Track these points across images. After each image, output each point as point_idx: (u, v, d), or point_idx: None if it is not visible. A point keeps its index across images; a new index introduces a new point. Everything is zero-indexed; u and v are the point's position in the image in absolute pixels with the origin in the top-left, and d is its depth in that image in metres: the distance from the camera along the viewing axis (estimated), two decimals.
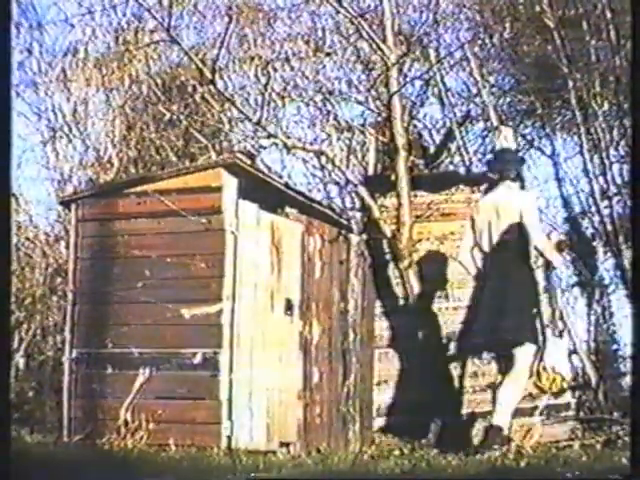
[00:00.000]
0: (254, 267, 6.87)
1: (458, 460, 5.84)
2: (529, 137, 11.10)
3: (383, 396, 7.82)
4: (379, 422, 7.79)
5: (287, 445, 6.92)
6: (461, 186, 7.95)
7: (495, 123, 8.92)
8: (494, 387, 6.55)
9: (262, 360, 6.83)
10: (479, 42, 9.93)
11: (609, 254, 9.81)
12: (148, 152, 10.47)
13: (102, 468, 5.41)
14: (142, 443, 6.40)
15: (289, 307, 7.15)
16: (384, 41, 8.05)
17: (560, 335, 6.52)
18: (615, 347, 10.18)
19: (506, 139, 8.15)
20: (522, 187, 6.90)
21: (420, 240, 7.90)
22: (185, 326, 6.69)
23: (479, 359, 7.12)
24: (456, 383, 7.44)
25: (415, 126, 10.76)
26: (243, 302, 6.74)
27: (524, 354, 6.28)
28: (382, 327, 8.01)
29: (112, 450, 6.17)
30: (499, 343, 6.36)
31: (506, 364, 6.39)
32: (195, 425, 6.53)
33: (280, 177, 8.68)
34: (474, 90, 10.11)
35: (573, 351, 8.02)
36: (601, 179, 9.36)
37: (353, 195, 9.66)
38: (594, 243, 10.19)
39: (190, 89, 10.32)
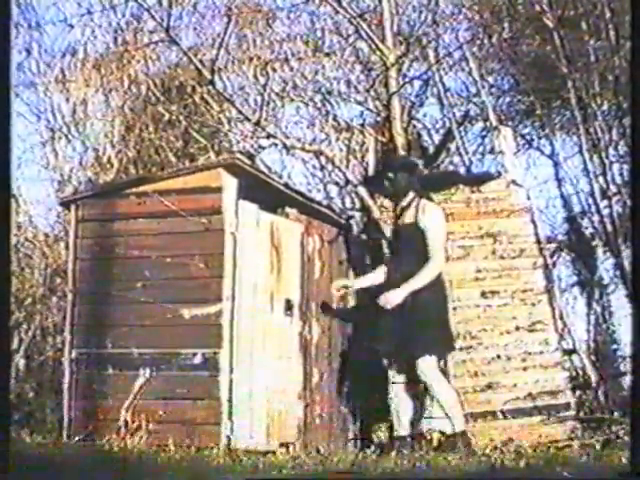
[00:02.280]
0: (254, 267, 6.87)
1: (458, 460, 5.85)
2: (528, 137, 11.09)
3: None
4: None
5: (287, 445, 6.91)
6: (460, 186, 7.94)
7: (494, 123, 8.89)
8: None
9: (262, 360, 6.83)
10: (478, 42, 9.91)
11: (609, 254, 9.79)
12: (147, 152, 10.46)
13: (102, 469, 5.41)
14: (142, 443, 6.40)
15: (289, 307, 7.15)
16: (383, 41, 8.06)
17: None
18: (615, 347, 10.17)
19: (505, 139, 8.18)
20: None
21: None
22: (185, 326, 6.69)
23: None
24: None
25: (414, 126, 10.74)
26: (243, 302, 6.75)
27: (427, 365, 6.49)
28: None
29: (112, 451, 6.17)
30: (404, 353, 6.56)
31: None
32: (195, 425, 6.53)
33: (280, 177, 8.68)
34: (473, 90, 10.08)
35: (573, 351, 8.02)
36: (601, 179, 9.34)
37: (353, 195, 9.65)
38: (594, 243, 10.18)
39: (189, 89, 10.31)
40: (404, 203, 6.75)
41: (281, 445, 6.86)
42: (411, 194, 6.74)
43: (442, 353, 6.80)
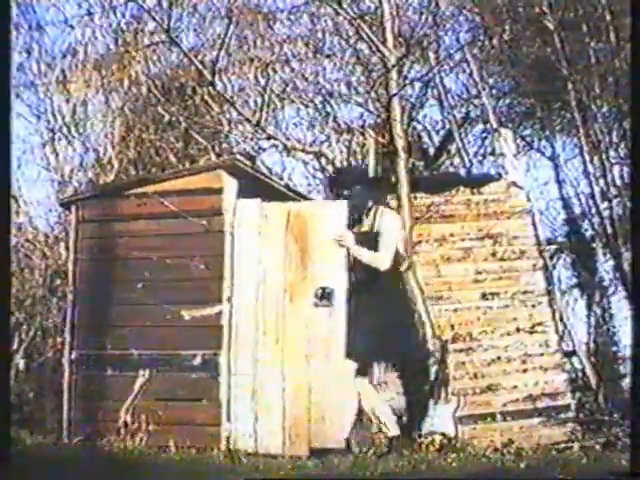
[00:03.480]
0: (259, 264, 6.80)
1: (458, 461, 5.85)
2: (529, 139, 11.11)
3: None
4: None
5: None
6: (461, 187, 7.94)
7: (495, 125, 8.89)
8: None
9: (262, 360, 6.81)
10: (479, 44, 9.93)
11: (609, 255, 9.80)
12: (148, 154, 10.47)
13: (102, 469, 5.42)
14: (142, 444, 6.40)
15: (322, 296, 6.88)
16: (384, 43, 8.05)
17: (445, 400, 6.74)
18: (615, 349, 10.17)
19: (505, 141, 8.19)
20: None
21: (420, 242, 7.90)
22: (185, 327, 6.69)
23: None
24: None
25: (415, 128, 10.77)
26: (243, 303, 6.73)
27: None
28: None
29: (112, 451, 6.17)
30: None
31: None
32: (195, 426, 6.53)
33: (280, 179, 8.68)
34: (474, 92, 10.09)
35: (573, 352, 8.03)
36: (601, 181, 9.35)
37: None
38: (594, 245, 10.19)
39: (190, 91, 10.33)
40: (363, 212, 6.78)
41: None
42: (370, 203, 6.79)
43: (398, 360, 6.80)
